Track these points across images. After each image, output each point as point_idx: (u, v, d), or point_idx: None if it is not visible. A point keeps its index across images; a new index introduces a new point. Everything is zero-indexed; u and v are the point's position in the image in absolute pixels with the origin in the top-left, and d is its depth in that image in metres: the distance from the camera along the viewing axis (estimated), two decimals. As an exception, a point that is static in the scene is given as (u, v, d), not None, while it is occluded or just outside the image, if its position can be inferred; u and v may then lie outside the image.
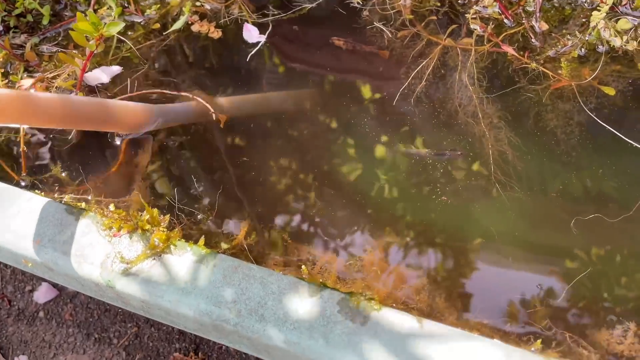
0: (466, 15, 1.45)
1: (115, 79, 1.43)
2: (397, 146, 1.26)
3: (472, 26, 1.43)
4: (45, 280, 1.71)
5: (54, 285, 1.71)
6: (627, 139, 1.21)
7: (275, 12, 1.56)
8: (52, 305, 1.70)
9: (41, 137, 1.38)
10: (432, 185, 1.23)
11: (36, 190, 1.17)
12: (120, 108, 1.21)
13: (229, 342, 0.99)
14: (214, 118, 1.33)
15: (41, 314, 1.70)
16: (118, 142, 1.33)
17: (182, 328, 1.04)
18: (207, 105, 1.34)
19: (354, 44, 1.48)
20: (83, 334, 1.65)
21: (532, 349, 0.87)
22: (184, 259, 0.98)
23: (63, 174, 1.27)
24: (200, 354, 1.56)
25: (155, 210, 1.05)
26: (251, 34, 1.46)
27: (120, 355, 1.60)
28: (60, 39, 1.54)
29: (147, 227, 1.02)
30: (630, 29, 1.33)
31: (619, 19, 1.34)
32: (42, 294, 1.69)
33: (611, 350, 0.94)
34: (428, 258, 1.13)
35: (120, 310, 1.64)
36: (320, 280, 0.97)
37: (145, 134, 1.31)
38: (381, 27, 1.49)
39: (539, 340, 0.92)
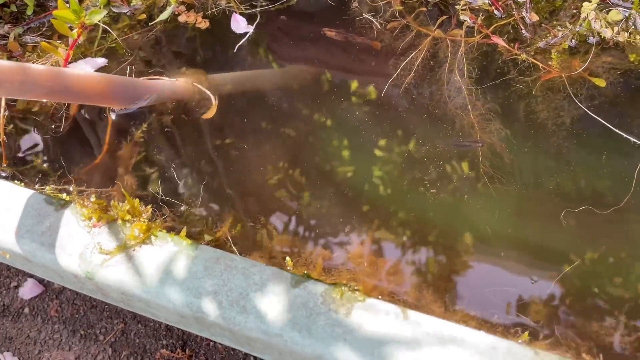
0: (456, 6, 1.43)
1: (100, 71, 1.41)
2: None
3: (462, 17, 1.42)
4: (31, 276, 1.69)
5: (40, 281, 1.68)
6: (617, 130, 1.20)
7: (264, 3, 1.54)
8: (38, 301, 1.68)
9: (24, 127, 1.36)
10: (420, 177, 1.21)
11: (16, 181, 1.15)
12: (111, 82, 1.19)
13: (211, 335, 0.96)
14: (209, 96, 1.31)
15: (26, 310, 1.67)
16: (113, 117, 1.31)
17: (163, 321, 1.01)
18: (200, 87, 1.33)
19: (346, 35, 1.47)
20: (69, 331, 1.63)
21: (519, 340, 0.85)
22: (164, 249, 0.96)
23: (45, 165, 1.24)
24: (187, 350, 1.54)
25: (137, 201, 1.03)
26: (239, 24, 1.44)
27: (106, 351, 1.57)
28: (44, 29, 1.52)
29: (128, 217, 0.99)
30: (621, 20, 1.32)
31: (610, 10, 1.32)
32: (28, 290, 1.66)
33: (601, 342, 0.93)
34: (414, 250, 1.11)
35: (106, 306, 1.62)
36: (305, 271, 0.95)
37: (139, 108, 1.29)
38: (370, 18, 1.47)
39: (527, 332, 0.91)
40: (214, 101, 1.30)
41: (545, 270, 1.05)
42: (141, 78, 1.35)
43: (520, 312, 0.98)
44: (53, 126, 1.35)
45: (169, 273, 0.94)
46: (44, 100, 1.35)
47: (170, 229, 1.04)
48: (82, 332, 1.59)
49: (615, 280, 1.03)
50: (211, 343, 1.53)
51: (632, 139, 1.18)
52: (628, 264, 1.05)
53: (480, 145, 1.19)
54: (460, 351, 0.82)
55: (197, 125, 1.34)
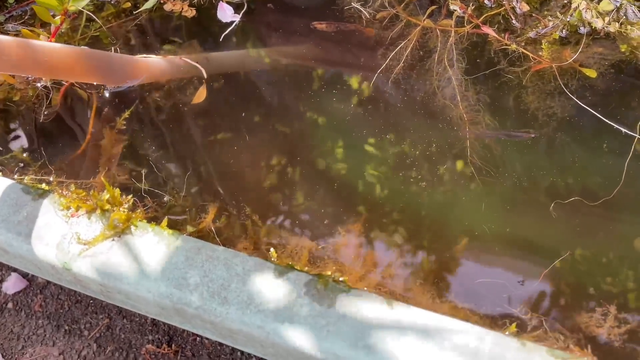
0: (446, -4, 1.41)
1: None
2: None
3: (452, 7, 1.40)
4: (14, 271, 1.66)
5: (24, 276, 1.65)
6: (608, 121, 1.18)
7: (251, -8, 1.51)
8: (22, 296, 1.65)
9: (4, 116, 1.33)
10: (408, 168, 1.19)
11: (-6, 170, 1.12)
12: (103, 57, 1.16)
13: (193, 327, 0.94)
14: (202, 73, 1.30)
15: (10, 305, 1.64)
16: (107, 95, 1.30)
17: (144, 313, 0.99)
18: (189, 60, 1.32)
19: (337, 25, 1.44)
20: (53, 326, 1.60)
21: (506, 332, 0.83)
22: (144, 240, 0.94)
23: (25, 155, 1.21)
24: (173, 345, 1.51)
25: (117, 190, 1.00)
26: (225, 13, 1.41)
27: (91, 347, 1.55)
28: (26, 17, 1.49)
29: (107, 207, 0.97)
30: (612, 10, 1.30)
31: (601, 0, 1.31)
32: (11, 285, 1.63)
33: (589, 334, 0.91)
34: (401, 241, 1.09)
35: (91, 301, 1.59)
36: (289, 262, 0.93)
37: (129, 89, 1.29)
38: (359, 7, 1.45)
39: (514, 324, 0.89)
40: (204, 75, 1.29)
41: (533, 262, 1.04)
42: (133, 56, 1.32)
43: (508, 304, 0.96)
44: (35, 115, 1.32)
45: (149, 264, 0.91)
46: (13, 75, 1.32)
47: (152, 220, 1.01)
48: (67, 328, 1.57)
49: (603, 273, 1.01)
50: (197, 338, 1.51)
51: (623, 130, 1.17)
52: (616, 256, 1.03)
53: (532, 135, 1.17)
54: (447, 342, 0.80)
55: (184, 114, 1.32)
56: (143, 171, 1.17)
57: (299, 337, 0.83)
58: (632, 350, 0.89)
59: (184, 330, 1.52)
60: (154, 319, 1.55)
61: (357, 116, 1.29)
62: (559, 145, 1.19)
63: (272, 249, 0.98)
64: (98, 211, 0.96)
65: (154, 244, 0.93)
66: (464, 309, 0.95)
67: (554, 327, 0.90)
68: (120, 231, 0.94)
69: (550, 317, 0.93)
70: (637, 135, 1.15)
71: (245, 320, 0.85)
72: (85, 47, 1.27)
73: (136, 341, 1.53)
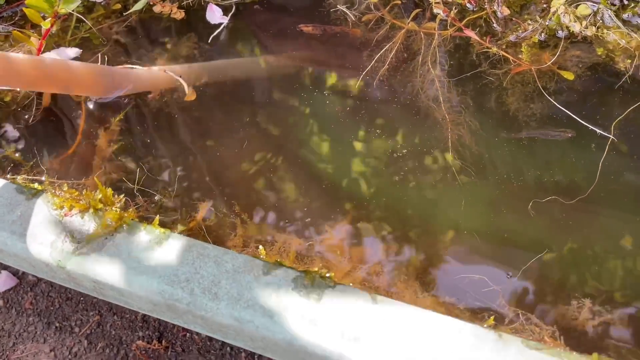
0: (430, -1, 1.45)
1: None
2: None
3: (435, 10, 1.44)
4: (4, 269, 1.67)
5: (14, 274, 1.67)
6: (584, 122, 1.23)
7: (239, -5, 1.54)
8: (12, 294, 1.66)
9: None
10: (392, 167, 1.23)
11: (-14, 171, 1.14)
12: (86, 70, 1.18)
13: (184, 323, 0.97)
14: (184, 87, 1.32)
15: (0, 302, 1.65)
16: (91, 106, 1.31)
17: (136, 309, 1.02)
18: (172, 74, 1.33)
19: (323, 28, 1.48)
20: (44, 323, 1.61)
21: (485, 325, 0.87)
22: (136, 238, 0.97)
23: (17, 155, 1.23)
24: (164, 341, 1.54)
25: (109, 190, 1.03)
26: (214, 14, 1.44)
27: (82, 343, 1.57)
28: (17, 18, 1.50)
29: (100, 206, 0.99)
30: (590, 14, 1.35)
31: (578, 5, 1.36)
32: (1, 283, 1.65)
33: (563, 326, 0.96)
34: (386, 238, 1.13)
35: (82, 298, 1.61)
36: (277, 259, 0.96)
37: (116, 98, 1.29)
38: (345, 10, 1.48)
39: (492, 318, 0.93)
40: (187, 89, 1.30)
41: (513, 258, 1.08)
42: (117, 67, 1.34)
43: (487, 299, 1.00)
44: (26, 116, 1.34)
45: (141, 261, 0.94)
46: (18, 89, 1.34)
47: (143, 219, 1.04)
48: (57, 325, 1.58)
49: (579, 269, 1.06)
50: (187, 334, 1.54)
51: (598, 131, 1.22)
52: (592, 251, 1.08)
53: (569, 135, 1.20)
54: (428, 334, 0.84)
55: (174, 116, 1.34)
56: (136, 170, 1.20)
57: (287, 331, 0.87)
58: (600, 339, 0.94)
59: (174, 326, 1.55)
60: (144, 316, 1.57)
61: (344, 116, 1.33)
62: (537, 146, 1.24)
63: (260, 247, 1.02)
64: (91, 210, 0.99)
65: (146, 242, 0.96)
66: (445, 304, 1.00)
67: (530, 321, 0.94)
68: (113, 230, 0.96)
69: (526, 311, 0.97)
70: (611, 137, 1.20)
71: (235, 315, 0.88)
72: (69, 60, 1.28)
73: (127, 337, 1.56)
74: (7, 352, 1.59)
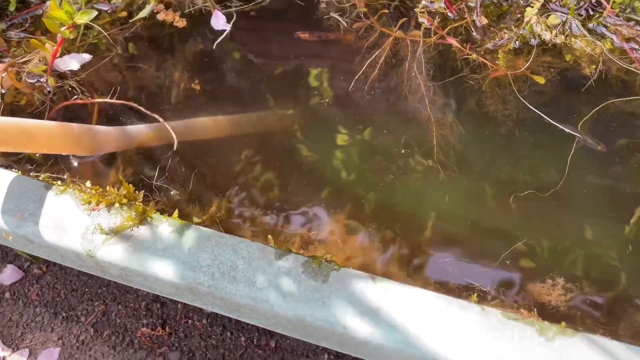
0: (415, 9, 1.58)
1: (84, 66, 1.49)
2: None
3: (420, 19, 1.57)
4: (10, 262, 1.75)
5: (20, 267, 1.74)
6: (554, 122, 1.37)
7: (238, 4, 1.65)
8: (18, 286, 1.73)
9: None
10: (381, 165, 1.37)
11: (13, 169, 1.23)
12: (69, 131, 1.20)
13: (203, 304, 1.09)
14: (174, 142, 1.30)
15: (7, 295, 1.72)
16: (75, 164, 1.33)
17: (158, 293, 1.13)
18: (171, 131, 1.30)
19: (319, 34, 1.59)
20: (50, 313, 1.69)
21: (469, 301, 1.01)
22: (160, 229, 1.08)
23: (37, 155, 1.32)
24: (167, 328, 1.63)
25: (131, 186, 1.13)
26: (218, 20, 1.54)
27: (88, 332, 1.64)
28: (27, 25, 1.59)
29: (125, 201, 1.10)
30: (559, 24, 1.49)
31: (549, 15, 1.50)
32: (8, 276, 1.72)
33: (540, 301, 1.10)
34: (380, 226, 1.26)
35: (87, 289, 1.69)
36: (285, 247, 1.08)
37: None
38: (338, 17, 1.60)
39: (475, 295, 1.07)
40: (175, 144, 1.29)
41: (493, 244, 1.22)
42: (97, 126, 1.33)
43: (472, 280, 1.14)
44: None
45: (165, 250, 1.05)
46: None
47: (162, 212, 1.15)
48: (64, 314, 1.66)
49: (552, 253, 1.21)
50: (189, 321, 1.64)
51: (566, 130, 1.36)
52: (563, 237, 1.23)
53: (600, 149, 1.30)
54: (421, 309, 0.98)
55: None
56: (155, 168, 1.29)
57: (299, 309, 0.99)
58: (571, 311, 1.09)
59: (176, 314, 1.65)
60: (148, 304, 1.67)
61: (329, 114, 1.46)
62: (514, 143, 1.38)
63: (269, 236, 1.14)
64: (117, 205, 1.09)
65: (168, 233, 1.07)
66: (434, 283, 1.13)
67: (510, 297, 1.08)
68: (138, 222, 1.07)
69: (506, 289, 1.12)
70: (578, 135, 1.35)
71: (252, 296, 1.00)
72: (50, 121, 1.25)
73: (131, 325, 1.65)
74: (16, 342, 1.66)
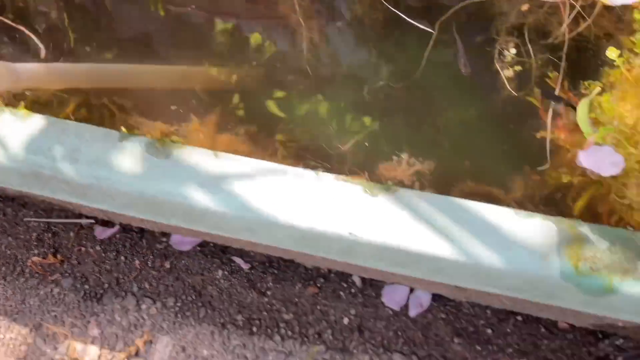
0: None
1: None
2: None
3: None
4: None
5: None
6: (412, 21, 1.43)
7: None
8: None
9: None
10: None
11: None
12: None
13: (52, 192, 1.09)
14: None
15: None
16: None
17: (7, 186, 1.12)
18: None
19: None
20: None
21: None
22: (1, 118, 1.07)
23: None
24: (59, 256, 1.62)
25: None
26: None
27: (-25, 264, 1.61)
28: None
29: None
30: None
31: None
32: None
33: (387, 176, 1.17)
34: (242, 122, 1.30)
35: (-29, 222, 1.65)
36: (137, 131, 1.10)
37: None
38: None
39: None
40: None
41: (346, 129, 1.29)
42: None
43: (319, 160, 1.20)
44: None
45: (7, 138, 1.05)
46: None
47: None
48: (-52, 248, 1.63)
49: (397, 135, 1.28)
50: (82, 249, 1.63)
51: (421, 26, 1.43)
52: (410, 123, 1.31)
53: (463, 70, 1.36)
54: (260, 178, 1.02)
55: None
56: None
57: (141, 184, 1.01)
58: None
59: (68, 242, 1.64)
60: (39, 235, 1.65)
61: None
62: (375, 42, 1.44)
63: (122, 128, 1.15)
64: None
65: (10, 122, 1.07)
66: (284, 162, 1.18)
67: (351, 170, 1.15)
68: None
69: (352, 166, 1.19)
70: (434, 32, 1.42)
71: (94, 174, 1.02)
72: None
73: (22, 255, 1.63)
74: None
